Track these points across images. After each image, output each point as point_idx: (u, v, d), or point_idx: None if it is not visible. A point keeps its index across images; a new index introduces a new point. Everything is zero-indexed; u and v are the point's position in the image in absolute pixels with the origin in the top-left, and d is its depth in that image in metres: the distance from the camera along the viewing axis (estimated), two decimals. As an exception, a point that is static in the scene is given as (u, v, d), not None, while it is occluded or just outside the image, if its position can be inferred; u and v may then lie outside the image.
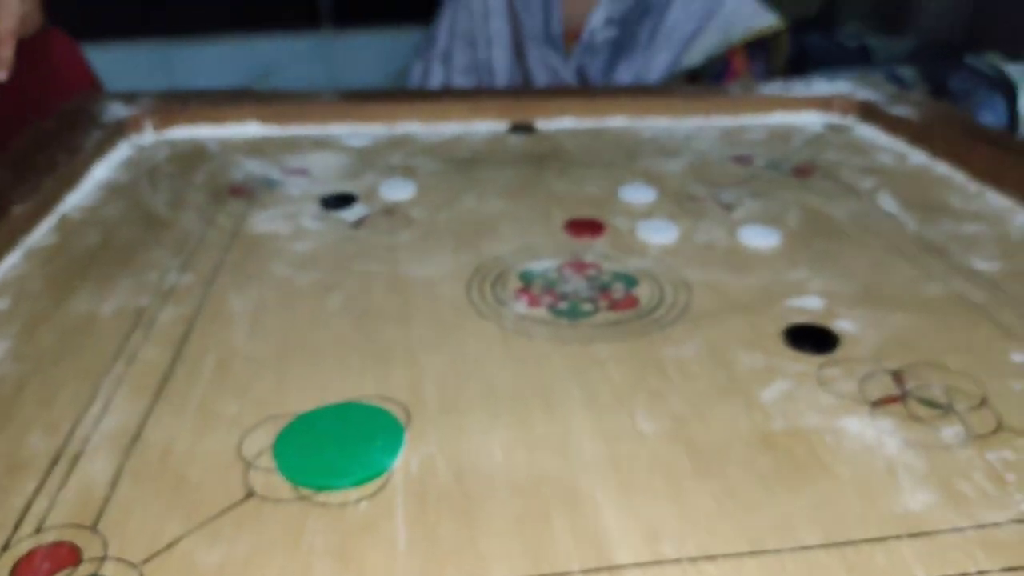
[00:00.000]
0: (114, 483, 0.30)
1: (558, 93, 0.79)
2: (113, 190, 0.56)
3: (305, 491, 0.30)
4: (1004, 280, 0.47)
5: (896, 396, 0.37)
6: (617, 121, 0.74)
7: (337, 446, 0.32)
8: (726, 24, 0.89)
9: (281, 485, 0.30)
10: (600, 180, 0.62)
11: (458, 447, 0.33)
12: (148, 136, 0.65)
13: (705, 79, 0.92)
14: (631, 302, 0.45)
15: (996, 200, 0.59)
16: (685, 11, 0.90)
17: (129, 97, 0.67)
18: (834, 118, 0.78)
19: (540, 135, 0.71)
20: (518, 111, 0.72)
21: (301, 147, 0.66)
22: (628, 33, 0.91)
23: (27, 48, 0.66)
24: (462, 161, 0.64)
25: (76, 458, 0.32)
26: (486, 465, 0.32)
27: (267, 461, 0.32)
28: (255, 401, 0.35)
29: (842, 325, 0.43)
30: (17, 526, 0.29)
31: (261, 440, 0.33)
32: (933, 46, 1.38)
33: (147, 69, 1.22)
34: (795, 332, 0.42)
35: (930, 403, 0.36)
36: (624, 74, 0.90)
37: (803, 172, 0.65)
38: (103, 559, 0.27)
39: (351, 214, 0.54)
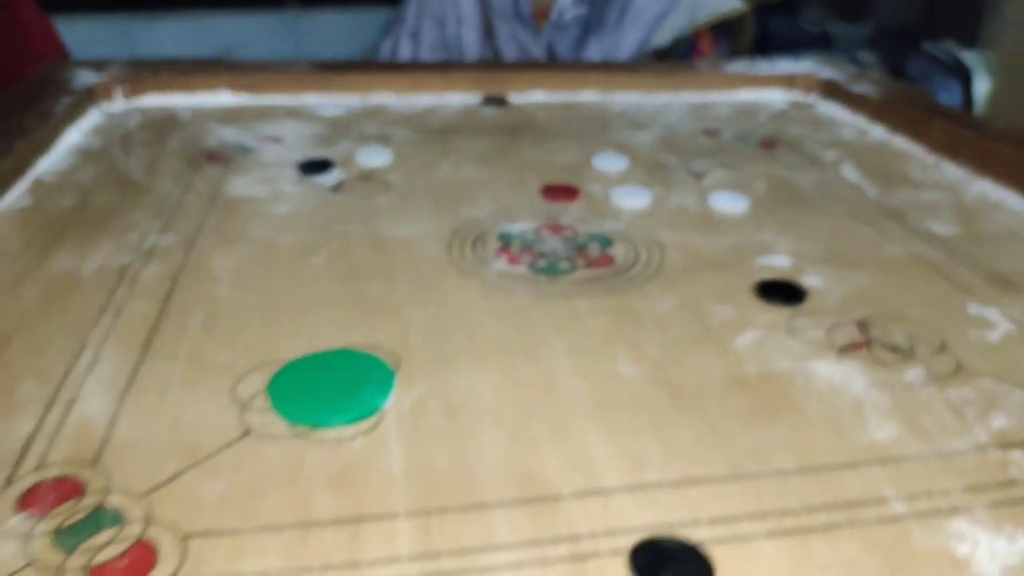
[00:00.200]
0: (111, 424, 0.31)
1: (530, 67, 0.80)
2: (86, 155, 0.55)
3: (301, 429, 0.31)
4: (960, 242, 0.50)
5: (861, 343, 0.39)
6: (588, 96, 0.76)
7: (330, 388, 0.33)
8: (693, 6, 0.91)
9: (277, 424, 0.31)
10: (573, 150, 0.63)
11: (447, 389, 0.34)
12: (118, 104, 0.65)
13: (672, 59, 0.94)
14: (607, 261, 0.46)
15: (952, 171, 0.62)
16: (654, -11, 0.92)
17: (98, 65, 0.66)
18: (798, 95, 0.81)
19: (513, 108, 0.72)
20: (490, 84, 0.73)
21: (274, 116, 0.66)
22: (597, 12, 0.93)
23: None
24: (436, 131, 0.65)
25: (71, 403, 0.32)
26: (475, 404, 0.33)
27: (262, 403, 0.32)
28: (245, 349, 0.36)
29: (809, 281, 0.44)
30: (18, 463, 0.29)
31: (254, 384, 0.33)
32: (892, 33, 1.42)
33: (108, 43, 1.19)
34: (765, 287, 0.44)
35: (893, 349, 0.38)
36: (594, 52, 0.92)
37: (769, 145, 0.67)
38: (107, 491, 0.28)
39: (329, 179, 0.54)
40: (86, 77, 0.64)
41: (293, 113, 0.66)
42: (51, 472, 0.29)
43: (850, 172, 0.61)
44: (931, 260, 0.47)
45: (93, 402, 0.32)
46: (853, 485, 0.30)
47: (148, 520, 0.27)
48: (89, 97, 0.62)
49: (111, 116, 0.63)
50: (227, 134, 0.61)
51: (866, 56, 1.30)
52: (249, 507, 0.27)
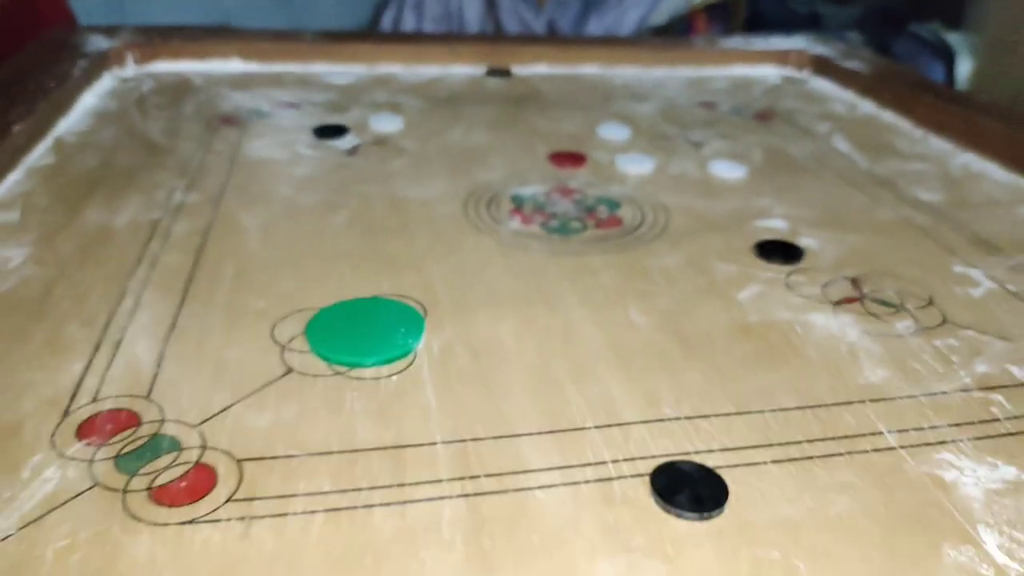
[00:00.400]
0: (158, 363, 0.33)
1: (533, 40, 0.82)
2: (103, 117, 0.57)
3: (339, 368, 0.33)
4: (946, 208, 0.53)
5: (855, 297, 0.42)
6: (589, 69, 0.78)
7: (365, 331, 0.35)
8: (690, -17, 0.94)
9: (316, 364, 0.33)
10: (578, 119, 0.65)
11: (473, 335, 0.36)
12: (130, 69, 0.66)
13: (669, 37, 0.96)
14: (615, 222, 0.48)
15: (938, 144, 0.65)
16: (654, -31, 0.94)
17: (109, 30, 0.67)
18: (790, 71, 0.83)
19: (517, 79, 0.74)
20: (494, 56, 0.74)
21: (286, 83, 0.67)
22: (598, -10, 0.95)
23: None
24: (444, 100, 0.67)
25: (117, 344, 0.34)
26: (499, 349, 0.35)
27: (300, 345, 0.34)
28: (278, 297, 0.38)
29: (806, 242, 0.47)
30: (73, 397, 0.31)
31: (291, 328, 0.35)
32: (880, 14, 1.45)
33: (99, 11, 1.18)
34: (765, 246, 0.46)
35: (884, 303, 0.41)
36: (595, 28, 0.94)
37: (764, 117, 0.70)
38: (162, 422, 0.30)
39: (344, 143, 0.56)
40: (98, 42, 0.65)
41: (304, 80, 0.68)
42: (106, 405, 0.31)
43: (841, 143, 0.64)
44: (919, 224, 0.50)
45: (139, 344, 0.34)
46: (850, 421, 0.32)
47: (204, 447, 0.29)
48: (103, 61, 0.63)
49: (124, 80, 0.64)
50: (241, 99, 0.62)
51: (853, 37, 1.33)
52: (297, 436, 0.29)
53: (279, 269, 0.40)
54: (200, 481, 0.28)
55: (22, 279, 0.38)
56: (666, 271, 0.43)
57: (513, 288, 0.40)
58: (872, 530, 0.27)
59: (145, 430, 0.29)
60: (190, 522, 0.26)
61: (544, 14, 0.99)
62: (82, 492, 0.27)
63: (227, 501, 0.27)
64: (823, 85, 0.80)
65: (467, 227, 0.46)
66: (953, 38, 1.26)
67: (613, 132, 0.62)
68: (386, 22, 1.02)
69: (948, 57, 1.22)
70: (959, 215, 0.52)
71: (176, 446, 0.29)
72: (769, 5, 1.36)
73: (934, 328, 0.39)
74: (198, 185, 0.48)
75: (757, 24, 1.24)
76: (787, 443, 0.31)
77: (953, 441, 0.31)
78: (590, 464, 0.29)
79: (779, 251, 0.46)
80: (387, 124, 0.59)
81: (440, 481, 0.28)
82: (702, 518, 0.27)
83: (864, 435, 0.31)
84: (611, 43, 0.83)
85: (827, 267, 0.44)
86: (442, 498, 0.27)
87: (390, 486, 0.28)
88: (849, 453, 0.30)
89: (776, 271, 0.44)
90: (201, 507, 0.26)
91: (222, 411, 0.30)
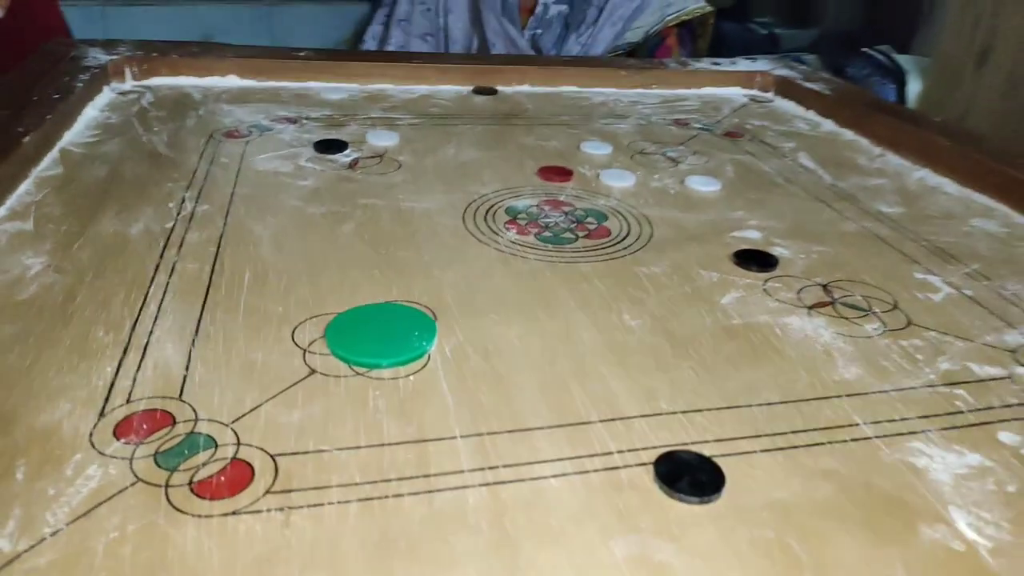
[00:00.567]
0: (187, 366, 0.35)
1: (516, 60, 0.85)
2: (106, 129, 0.58)
3: (359, 369, 0.35)
4: (905, 221, 0.57)
5: (827, 302, 0.45)
6: (569, 88, 0.81)
7: (381, 334, 0.37)
8: (663, 4, 0.98)
9: (338, 365, 0.35)
10: (562, 136, 0.68)
11: (482, 337, 0.39)
12: (129, 83, 0.67)
13: (642, 54, 1.00)
14: (604, 232, 0.51)
15: (895, 160, 0.69)
16: (628, -11, 0.98)
17: (107, 44, 0.68)
18: (756, 92, 0.88)
19: (502, 97, 0.77)
20: (481, 76, 0.77)
21: (283, 99, 0.69)
22: (578, 10, 0.99)
23: None
24: (436, 116, 0.69)
25: (145, 348, 0.36)
26: (507, 350, 0.38)
27: (320, 348, 0.36)
28: (296, 303, 0.40)
29: (779, 251, 0.51)
30: (107, 398, 0.32)
31: (311, 332, 0.38)
32: (835, 37, 1.52)
33: (80, 29, 1.18)
34: (742, 255, 0.50)
35: (853, 307, 0.45)
36: (573, 47, 0.97)
37: (734, 135, 0.74)
38: (196, 421, 0.32)
39: (344, 157, 0.58)
40: (97, 56, 0.66)
41: (301, 96, 0.70)
42: (140, 406, 0.32)
43: (806, 160, 0.68)
44: (881, 235, 0.54)
45: (166, 348, 0.36)
46: (828, 413, 0.35)
47: (238, 444, 0.31)
48: (103, 75, 0.64)
49: (123, 94, 0.65)
50: (241, 114, 0.64)
51: (810, 59, 1.39)
52: (326, 433, 0.32)
53: (294, 276, 0.42)
54: (239, 475, 0.30)
55: (43, 286, 0.39)
56: (654, 278, 0.46)
57: (515, 294, 0.43)
58: (854, 512, 0.30)
59: (180, 429, 0.31)
60: (233, 513, 0.28)
61: (527, 32, 1.02)
62: (126, 488, 0.28)
63: (266, 493, 0.29)
64: (787, 105, 0.85)
65: (468, 237, 0.49)
66: (904, 60, 1.33)
67: (596, 148, 0.65)
68: (371, 37, 1.04)
69: (900, 78, 1.29)
70: (918, 227, 0.56)
71: (212, 443, 0.31)
72: (732, 27, 1.43)
73: (900, 330, 0.43)
74: (206, 196, 0.50)
75: (718, 45, 1.30)
76: (774, 434, 0.34)
77: (923, 432, 0.35)
78: (598, 454, 0.32)
79: (755, 260, 0.49)
80: (384, 140, 0.62)
81: (462, 472, 0.30)
82: (702, 502, 0.30)
83: (842, 426, 0.35)
84: (590, 64, 0.86)
85: (800, 274, 0.48)
86: (465, 487, 0.30)
87: (416, 477, 0.30)
88: (830, 443, 0.34)
89: (754, 278, 0.47)
90: (242, 499, 0.28)
91: (253, 410, 0.32)
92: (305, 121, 0.65)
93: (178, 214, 0.47)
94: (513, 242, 0.49)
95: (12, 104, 0.54)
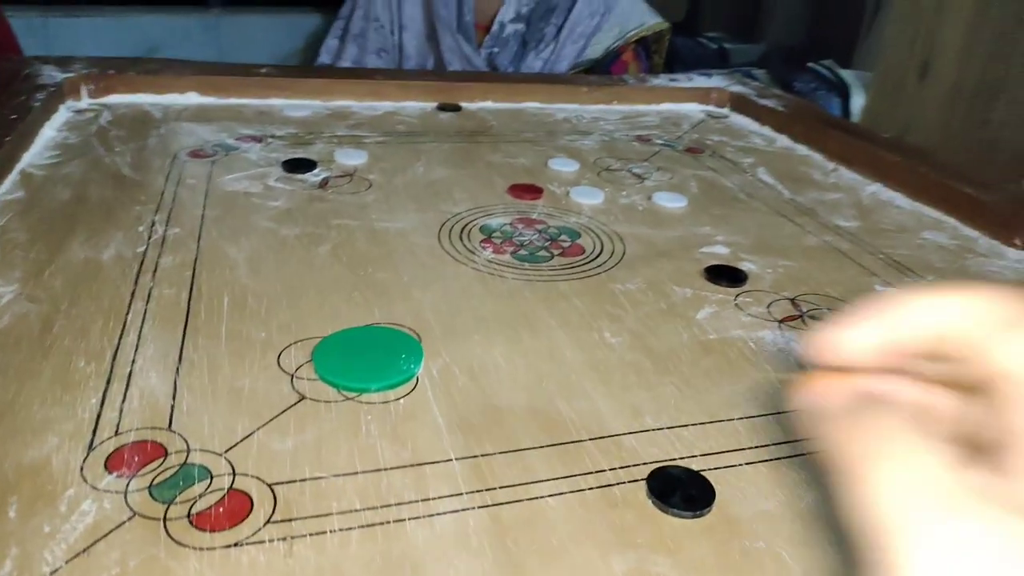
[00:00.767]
0: (174, 395, 0.34)
1: (478, 77, 0.86)
2: (65, 150, 0.57)
3: (349, 394, 0.35)
4: (862, 234, 0.59)
5: (796, 315, 0.47)
6: (532, 104, 0.82)
7: (369, 358, 0.37)
8: (622, 20, 1.00)
9: (327, 390, 0.35)
10: (529, 153, 0.69)
11: (467, 358, 0.39)
12: (85, 101, 0.65)
13: (600, 69, 1.02)
14: (578, 250, 0.52)
15: (848, 175, 0.72)
16: (588, 7, 1.00)
17: (61, 61, 0.67)
18: (712, 107, 0.90)
19: (466, 113, 0.77)
20: (443, 93, 0.78)
21: (246, 116, 0.68)
22: (535, 28, 1.00)
23: None
24: (402, 134, 0.70)
25: (129, 377, 0.35)
26: (493, 370, 0.38)
27: (307, 373, 0.36)
28: (279, 328, 0.40)
29: (747, 266, 0.52)
30: (94, 431, 0.32)
31: (296, 357, 0.37)
32: (781, 52, 1.57)
33: (22, 38, 1.14)
34: (713, 271, 0.51)
35: (821, 320, 0.47)
36: (535, 63, 0.99)
37: (695, 151, 0.76)
38: (188, 451, 0.31)
39: (314, 177, 0.58)
40: (52, 73, 0.64)
41: (264, 114, 0.69)
42: (129, 438, 0.32)
43: (766, 176, 0.71)
44: (841, 249, 0.56)
45: (150, 377, 0.35)
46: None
47: (233, 473, 0.30)
48: (59, 93, 0.62)
49: (79, 112, 0.64)
50: (204, 132, 0.63)
51: (758, 73, 1.44)
52: (321, 459, 0.32)
53: (274, 300, 0.42)
54: (237, 505, 0.29)
55: (17, 316, 0.38)
56: (629, 295, 0.47)
57: (496, 313, 0.43)
58: (839, 519, 0.31)
59: (173, 460, 0.31)
60: (235, 545, 0.27)
61: (483, 51, 1.03)
62: (123, 522, 0.28)
63: (266, 523, 0.28)
64: (742, 121, 0.87)
65: (445, 257, 0.49)
66: (847, 75, 1.39)
67: (563, 165, 0.66)
68: (327, 52, 1.03)
69: (844, 92, 1.34)
70: (874, 240, 0.58)
71: (207, 474, 0.30)
72: (684, 41, 1.46)
73: (865, 342, 0.45)
74: (176, 219, 0.49)
75: (673, 58, 1.33)
76: (757, 447, 0.35)
77: (891, 439, 0.36)
78: (591, 472, 0.32)
79: (725, 275, 0.51)
80: (352, 158, 0.61)
81: (461, 494, 0.31)
82: (695, 516, 0.31)
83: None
84: (552, 80, 0.88)
85: (769, 289, 0.50)
86: (465, 509, 0.30)
87: (415, 501, 0.30)
88: (810, 453, 0.35)
89: (725, 293, 0.49)
90: (243, 530, 0.28)
91: (245, 438, 0.32)
92: (271, 140, 0.65)
93: (149, 238, 0.47)
94: (490, 261, 0.49)
95: (-32, 125, 0.52)
